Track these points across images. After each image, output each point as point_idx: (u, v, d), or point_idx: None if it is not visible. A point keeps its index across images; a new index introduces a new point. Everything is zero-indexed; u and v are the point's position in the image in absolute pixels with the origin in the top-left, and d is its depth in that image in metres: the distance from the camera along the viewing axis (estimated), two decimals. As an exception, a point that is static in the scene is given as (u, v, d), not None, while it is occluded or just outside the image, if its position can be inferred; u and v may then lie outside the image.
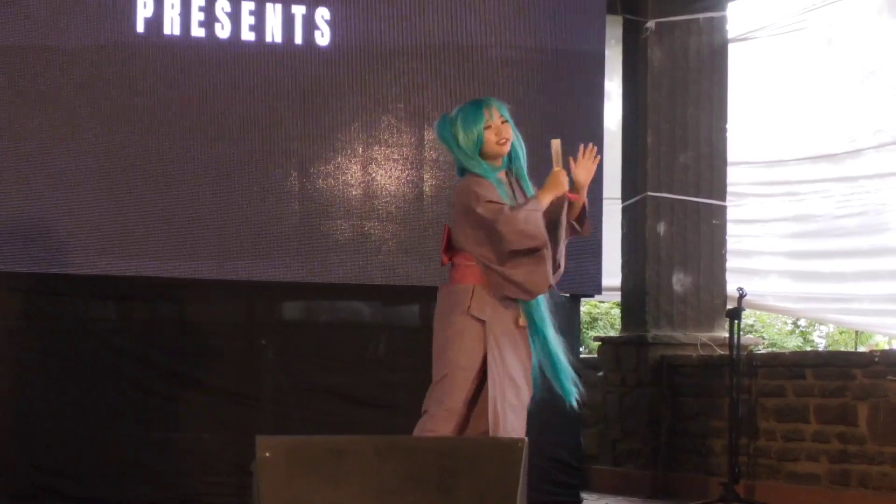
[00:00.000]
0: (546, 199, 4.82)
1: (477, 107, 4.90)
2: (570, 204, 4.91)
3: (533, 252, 4.78)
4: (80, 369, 7.00)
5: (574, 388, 4.97)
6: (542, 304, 4.94)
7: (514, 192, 4.93)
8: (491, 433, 4.73)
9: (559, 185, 4.83)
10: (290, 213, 7.28)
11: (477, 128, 4.85)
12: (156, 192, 7.06)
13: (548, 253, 4.80)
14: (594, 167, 4.94)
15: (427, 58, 7.51)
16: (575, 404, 5.00)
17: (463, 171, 4.95)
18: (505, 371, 4.80)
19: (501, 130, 4.87)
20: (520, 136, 5.00)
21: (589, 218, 5.06)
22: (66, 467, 6.94)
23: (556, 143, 4.87)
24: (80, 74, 7.00)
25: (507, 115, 4.92)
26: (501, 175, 4.93)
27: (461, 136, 4.86)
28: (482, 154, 4.88)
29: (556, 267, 4.90)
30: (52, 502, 6.89)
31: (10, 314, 7.00)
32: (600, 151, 5.01)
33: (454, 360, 4.80)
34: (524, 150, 5.01)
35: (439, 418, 4.82)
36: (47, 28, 6.95)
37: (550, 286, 4.84)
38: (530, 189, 4.96)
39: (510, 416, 4.78)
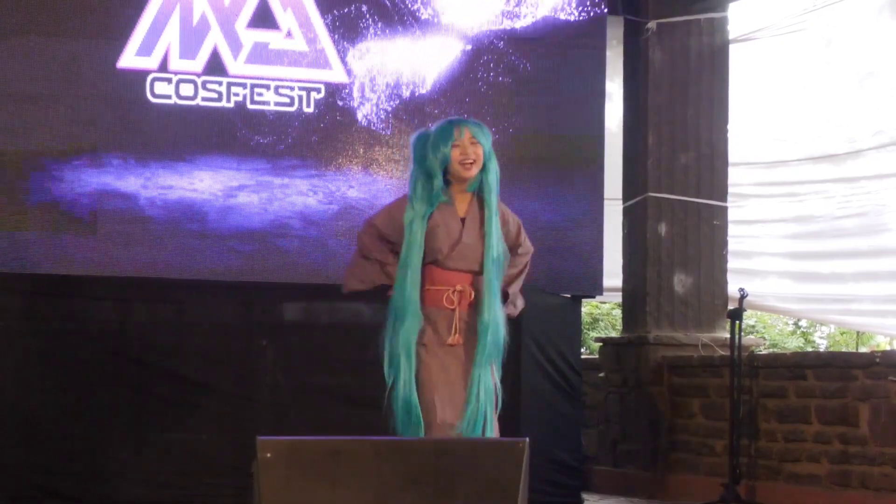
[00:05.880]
0: None
1: (449, 125, 4.77)
2: None
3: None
4: (79, 370, 6.99)
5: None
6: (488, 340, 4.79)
7: (477, 222, 4.76)
8: None
9: None
10: (292, 213, 7.26)
11: (444, 148, 4.70)
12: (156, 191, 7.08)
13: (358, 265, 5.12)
14: None
15: (428, 58, 7.51)
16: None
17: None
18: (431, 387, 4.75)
19: (468, 150, 4.70)
20: (495, 162, 4.81)
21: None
22: (66, 467, 6.94)
23: None
24: (79, 71, 7.02)
25: (482, 139, 4.74)
26: (442, 210, 4.75)
27: (429, 155, 4.72)
28: (449, 175, 4.75)
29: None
30: (51, 502, 6.88)
31: (10, 315, 6.99)
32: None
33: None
34: (498, 177, 4.81)
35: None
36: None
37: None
38: (492, 215, 4.76)
39: None
